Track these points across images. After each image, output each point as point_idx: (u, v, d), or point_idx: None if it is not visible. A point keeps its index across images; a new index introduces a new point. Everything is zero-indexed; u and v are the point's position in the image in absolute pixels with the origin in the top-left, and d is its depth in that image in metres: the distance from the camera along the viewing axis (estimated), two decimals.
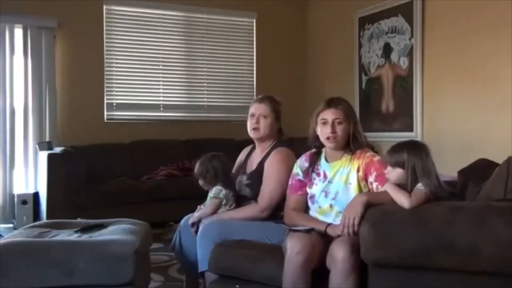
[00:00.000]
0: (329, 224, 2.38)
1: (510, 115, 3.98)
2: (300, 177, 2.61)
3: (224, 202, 2.85)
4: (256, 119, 2.87)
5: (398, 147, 2.26)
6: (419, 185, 2.14)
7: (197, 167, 2.97)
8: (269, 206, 2.73)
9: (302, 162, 2.62)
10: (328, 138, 2.46)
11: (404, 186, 2.19)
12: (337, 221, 2.36)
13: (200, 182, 2.94)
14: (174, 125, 5.91)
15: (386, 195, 2.18)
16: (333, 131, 2.45)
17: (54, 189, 4.59)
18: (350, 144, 2.48)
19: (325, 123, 2.47)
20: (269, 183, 2.76)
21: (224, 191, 2.85)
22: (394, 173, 2.22)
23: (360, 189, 2.42)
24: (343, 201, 2.39)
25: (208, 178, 2.90)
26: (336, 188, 2.47)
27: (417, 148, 2.26)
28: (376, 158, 2.45)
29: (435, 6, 4.75)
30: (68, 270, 2.31)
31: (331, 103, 2.50)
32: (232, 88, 6.29)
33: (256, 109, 2.90)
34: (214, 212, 2.83)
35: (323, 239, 2.33)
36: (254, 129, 2.88)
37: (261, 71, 6.32)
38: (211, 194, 2.88)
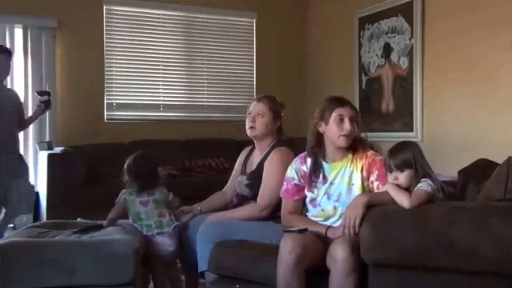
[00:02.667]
0: (329, 227, 2.37)
1: (510, 115, 3.98)
2: (296, 181, 2.56)
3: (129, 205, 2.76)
4: (253, 117, 2.89)
5: (399, 148, 2.25)
6: (420, 185, 2.14)
7: (126, 163, 2.83)
8: (268, 205, 2.73)
9: (297, 165, 2.57)
10: (345, 135, 2.39)
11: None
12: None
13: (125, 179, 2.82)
14: (174, 125, 5.90)
15: (387, 195, 2.18)
16: (353, 128, 2.40)
17: (54, 189, 4.59)
18: (354, 144, 2.47)
19: (342, 119, 2.41)
20: (268, 182, 2.77)
21: (125, 196, 2.78)
22: (403, 176, 2.20)
23: (363, 189, 2.40)
24: (347, 202, 2.35)
25: (129, 177, 2.79)
26: (339, 189, 2.45)
27: (415, 146, 2.27)
28: (378, 157, 2.44)
29: (435, 6, 4.75)
30: (68, 270, 2.31)
31: (345, 101, 2.48)
32: (232, 88, 6.28)
33: (253, 107, 2.91)
34: (114, 216, 2.78)
35: (319, 239, 2.33)
36: (250, 127, 2.89)
37: (261, 71, 6.31)
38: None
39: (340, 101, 2.46)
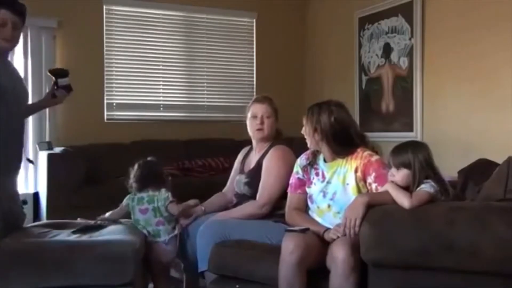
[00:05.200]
0: (326, 229, 2.37)
1: (510, 115, 3.98)
2: (300, 176, 2.62)
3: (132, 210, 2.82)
4: (260, 119, 2.89)
5: (401, 148, 2.26)
6: (422, 186, 2.14)
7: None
8: (268, 202, 2.74)
9: (302, 161, 2.63)
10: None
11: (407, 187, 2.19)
12: (335, 222, 2.36)
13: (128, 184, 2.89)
14: (174, 125, 5.90)
15: (387, 195, 2.18)
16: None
17: (54, 189, 4.59)
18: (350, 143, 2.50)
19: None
20: (267, 179, 2.78)
21: (128, 201, 2.83)
22: (399, 175, 2.21)
23: (358, 190, 2.41)
24: (341, 201, 2.40)
25: (132, 180, 2.86)
26: (334, 188, 2.47)
27: (420, 147, 2.27)
28: (374, 158, 2.44)
29: (435, 6, 4.75)
30: (68, 270, 2.31)
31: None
32: (232, 88, 6.28)
33: (258, 109, 2.92)
34: (112, 218, 2.84)
35: (320, 239, 2.33)
36: (258, 129, 2.89)
37: (261, 71, 6.31)
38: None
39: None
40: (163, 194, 2.79)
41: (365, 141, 2.54)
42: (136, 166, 2.87)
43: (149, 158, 2.92)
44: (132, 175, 2.86)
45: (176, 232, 2.80)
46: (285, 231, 2.38)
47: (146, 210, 2.78)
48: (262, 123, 2.89)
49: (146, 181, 2.82)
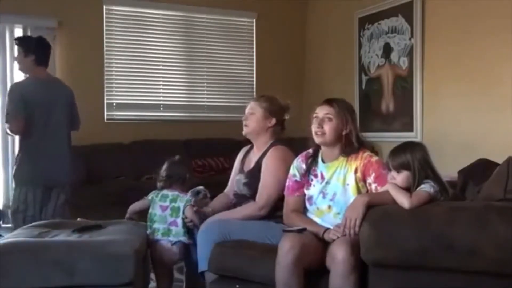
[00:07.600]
0: (326, 229, 2.37)
1: (510, 115, 3.98)
2: (297, 178, 2.59)
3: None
4: (246, 116, 2.95)
5: (399, 149, 2.26)
6: (422, 186, 2.14)
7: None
8: (266, 204, 2.73)
9: (298, 163, 2.61)
10: (316, 134, 2.48)
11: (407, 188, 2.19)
12: (336, 223, 2.36)
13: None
14: (174, 125, 5.90)
15: (387, 195, 2.18)
16: (320, 126, 2.46)
17: None
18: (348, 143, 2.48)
19: (316, 117, 2.49)
20: (266, 180, 2.77)
21: (152, 195, 2.89)
22: (400, 177, 2.21)
23: (358, 190, 2.41)
24: (342, 202, 2.40)
25: (161, 176, 2.93)
26: (334, 189, 2.46)
27: (418, 147, 2.27)
28: (374, 158, 2.43)
29: (435, 6, 4.75)
30: (68, 270, 2.32)
31: (327, 100, 2.53)
32: (232, 88, 6.29)
33: (247, 108, 2.97)
34: (138, 209, 2.95)
35: (318, 239, 2.33)
36: (244, 126, 2.95)
37: (261, 71, 6.31)
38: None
39: (323, 101, 2.53)
40: (188, 197, 2.85)
41: (365, 146, 2.56)
42: (165, 164, 2.94)
43: (177, 157, 2.99)
44: (161, 172, 2.93)
45: (187, 241, 2.81)
46: (282, 231, 2.38)
47: (166, 208, 2.84)
48: (246, 119, 2.93)
49: (172, 181, 2.89)
